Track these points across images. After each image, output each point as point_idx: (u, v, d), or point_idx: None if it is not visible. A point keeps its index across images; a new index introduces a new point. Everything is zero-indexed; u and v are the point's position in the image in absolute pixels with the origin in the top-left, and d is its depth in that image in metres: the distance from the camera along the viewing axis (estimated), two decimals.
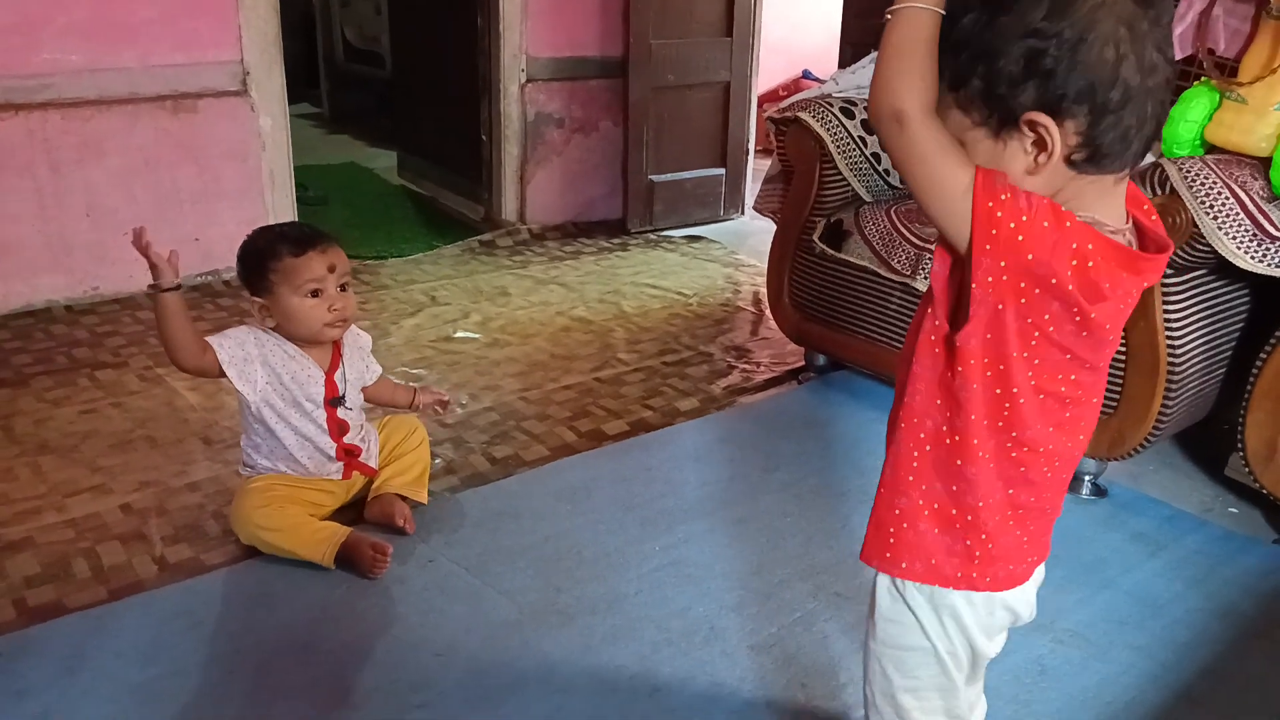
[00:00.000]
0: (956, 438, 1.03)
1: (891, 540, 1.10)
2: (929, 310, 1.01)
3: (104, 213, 3.26)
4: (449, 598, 1.88)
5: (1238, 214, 1.97)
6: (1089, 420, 1.06)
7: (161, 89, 3.28)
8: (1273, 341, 2.07)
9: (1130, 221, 0.99)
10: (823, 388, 2.87)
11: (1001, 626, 1.16)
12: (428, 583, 1.91)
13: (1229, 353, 2.23)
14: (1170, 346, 2.08)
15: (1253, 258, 1.97)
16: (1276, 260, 1.97)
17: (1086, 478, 2.28)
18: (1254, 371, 2.09)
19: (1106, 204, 0.96)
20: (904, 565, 1.10)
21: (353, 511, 2.09)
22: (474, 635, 1.78)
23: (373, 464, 2.10)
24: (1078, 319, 0.93)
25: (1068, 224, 0.89)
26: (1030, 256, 0.89)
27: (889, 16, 0.93)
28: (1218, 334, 2.18)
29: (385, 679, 1.67)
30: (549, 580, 1.94)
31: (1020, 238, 0.88)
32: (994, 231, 0.89)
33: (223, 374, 1.91)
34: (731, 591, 1.93)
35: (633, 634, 1.79)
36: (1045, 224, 0.88)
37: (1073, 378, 0.99)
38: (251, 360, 1.92)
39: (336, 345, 2.01)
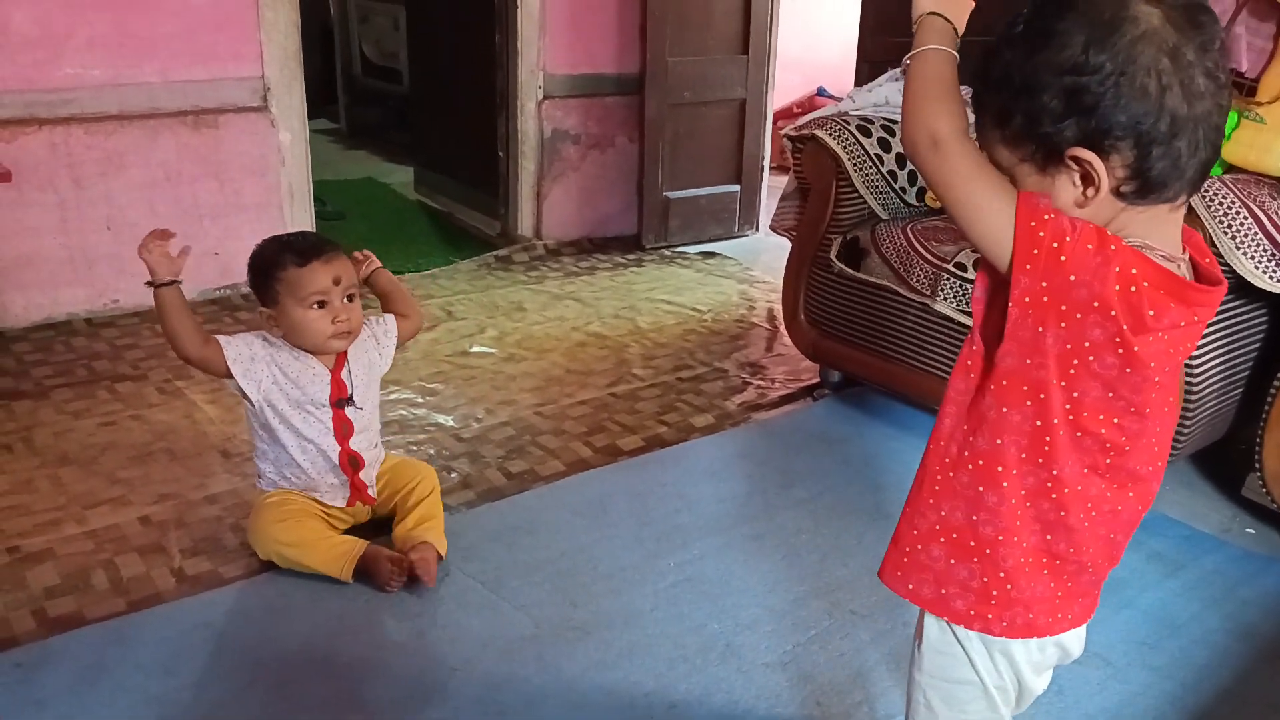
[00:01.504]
0: (981, 462, 1.01)
1: (905, 560, 1.10)
2: (969, 335, 1.01)
3: (124, 226, 3.29)
4: (465, 612, 1.88)
5: (1256, 234, 1.97)
6: (1139, 478, 1.02)
7: (182, 104, 3.32)
8: None
9: (1186, 253, 0.97)
10: (838, 404, 2.87)
11: (1051, 663, 1.15)
12: (444, 597, 1.92)
13: (1246, 373, 2.22)
14: (1188, 366, 2.07)
15: (1271, 278, 1.97)
16: None
17: None
18: (1272, 392, 2.09)
19: (1160, 232, 0.93)
20: (910, 586, 1.09)
21: (369, 527, 2.10)
22: (490, 650, 1.78)
23: (371, 491, 2.08)
24: (1120, 350, 0.90)
25: (1113, 247, 0.87)
26: (1073, 278, 0.87)
27: (907, 62, 0.97)
28: (1235, 354, 2.18)
29: (402, 693, 1.67)
30: (565, 595, 1.94)
31: (1063, 258, 0.87)
32: (1035, 251, 0.88)
33: (228, 373, 1.93)
34: (747, 608, 1.92)
35: (649, 650, 1.79)
36: (1089, 246, 0.87)
37: (1115, 420, 0.95)
38: (258, 360, 1.93)
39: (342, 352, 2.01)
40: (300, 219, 3.62)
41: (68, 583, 1.93)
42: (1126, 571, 2.07)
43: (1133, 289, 0.88)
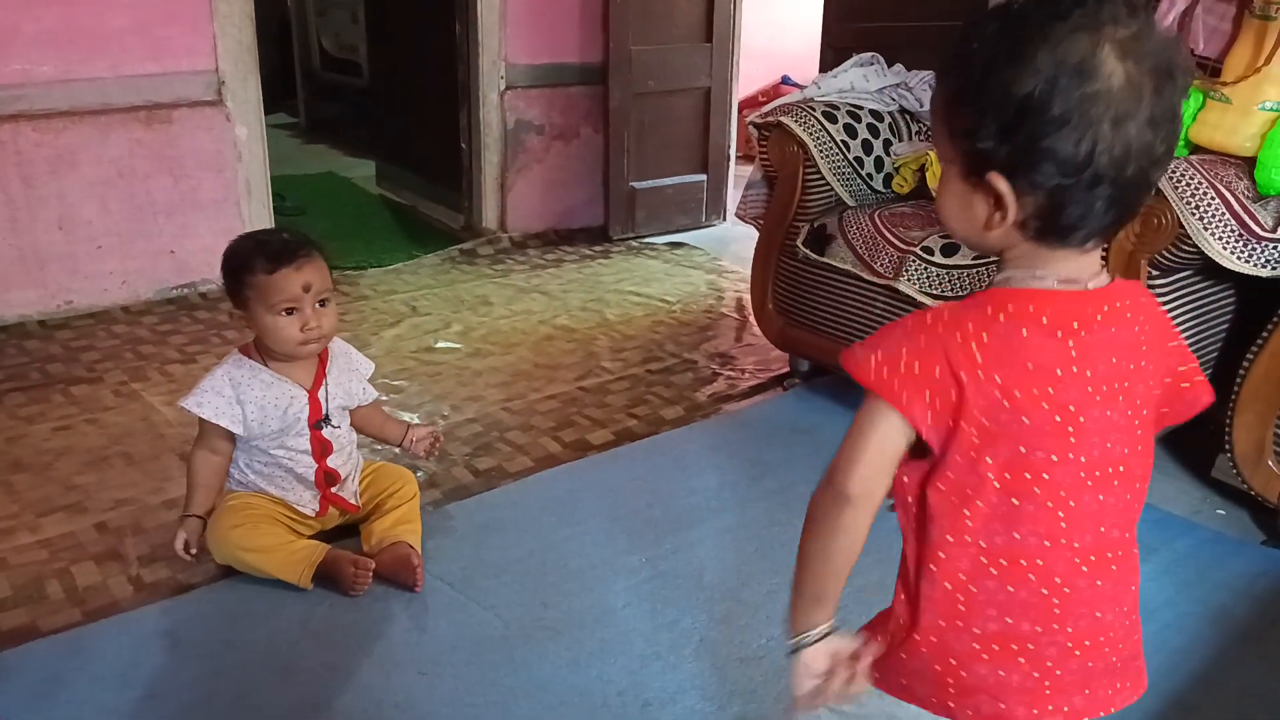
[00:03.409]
0: (921, 554, 0.99)
1: (883, 661, 1.05)
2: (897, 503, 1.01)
3: (77, 225, 3.22)
4: (433, 614, 1.84)
5: (1224, 214, 1.96)
6: (1109, 542, 0.96)
7: (135, 99, 3.24)
8: (1259, 342, 2.06)
9: (1103, 273, 0.94)
10: (808, 394, 2.85)
11: None
12: (411, 599, 1.88)
13: (1215, 354, 2.23)
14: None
15: (1239, 258, 1.97)
16: (1263, 260, 1.96)
17: None
18: (1240, 373, 2.08)
19: (1064, 266, 0.92)
20: (877, 675, 1.05)
21: (333, 533, 2.04)
22: (459, 652, 1.74)
23: (351, 499, 2.04)
24: (1007, 405, 0.89)
25: (939, 329, 0.90)
26: (952, 393, 0.90)
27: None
28: (1204, 335, 2.18)
29: (369, 699, 1.63)
30: (535, 594, 1.90)
31: (916, 369, 0.90)
32: (905, 396, 0.91)
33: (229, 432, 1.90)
34: (721, 603, 1.90)
35: (621, 648, 1.76)
36: (937, 371, 0.90)
37: (1044, 476, 0.92)
38: (231, 402, 1.87)
39: (322, 361, 1.96)
40: (258, 215, 3.56)
41: (20, 594, 1.87)
42: None
43: (993, 328, 0.89)
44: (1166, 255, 2.00)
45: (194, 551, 1.90)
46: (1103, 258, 0.96)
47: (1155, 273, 2.06)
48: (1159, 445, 2.49)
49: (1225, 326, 2.23)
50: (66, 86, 3.12)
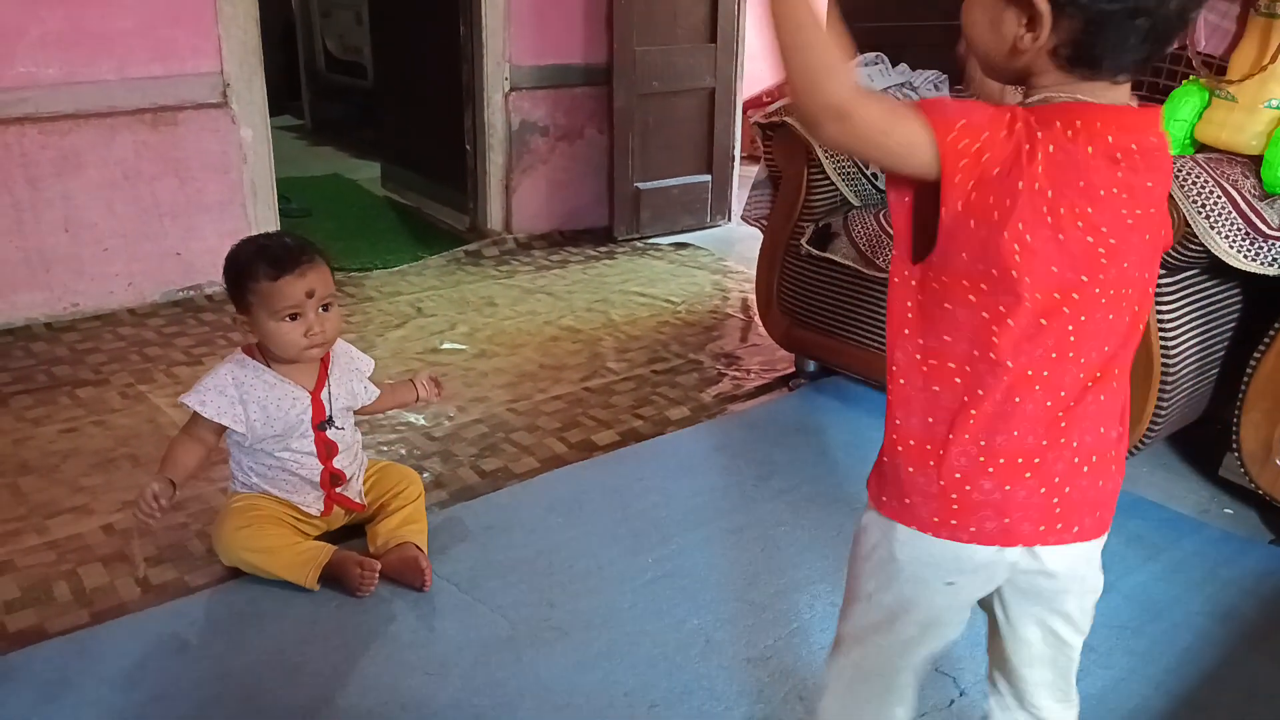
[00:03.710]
0: (933, 362, 0.98)
1: (876, 475, 1.08)
2: (894, 255, 0.99)
3: (83, 228, 3.22)
4: (439, 615, 1.84)
5: (1230, 213, 1.95)
6: (1108, 360, 0.97)
7: (140, 102, 3.24)
8: (1266, 341, 2.05)
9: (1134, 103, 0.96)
10: (814, 394, 2.85)
11: (1033, 591, 1.07)
12: (417, 600, 1.88)
13: (1222, 353, 2.22)
14: (1164, 347, 2.06)
15: (1245, 256, 1.96)
16: (1269, 258, 1.96)
17: None
18: (1248, 371, 2.08)
19: (1097, 94, 0.93)
20: (884, 499, 1.06)
21: (339, 534, 2.05)
22: (466, 653, 1.74)
23: (356, 499, 2.04)
24: (1049, 219, 0.89)
25: (1018, 124, 0.88)
26: (996, 170, 0.88)
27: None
28: (1211, 334, 2.17)
29: (376, 700, 1.63)
30: (542, 595, 1.90)
31: (985, 156, 0.88)
32: (962, 162, 0.88)
33: (222, 429, 1.88)
34: (727, 603, 1.90)
35: (628, 649, 1.76)
36: (1002, 134, 0.88)
37: (1062, 292, 0.93)
38: (234, 401, 1.87)
39: (324, 362, 1.96)
40: (264, 217, 3.56)
41: (28, 595, 1.87)
42: (1105, 555, 2.04)
43: (1063, 139, 0.88)
44: (1173, 254, 1.99)
45: (163, 503, 1.78)
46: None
47: (1161, 271, 2.05)
48: (1166, 444, 2.50)
49: (1232, 325, 2.22)
50: (72, 89, 3.13)
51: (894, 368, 1.01)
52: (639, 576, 1.97)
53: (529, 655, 1.74)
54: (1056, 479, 0.98)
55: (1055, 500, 0.99)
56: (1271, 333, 2.05)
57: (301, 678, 1.68)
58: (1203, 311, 2.14)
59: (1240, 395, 2.09)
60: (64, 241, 3.20)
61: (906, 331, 0.99)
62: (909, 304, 0.98)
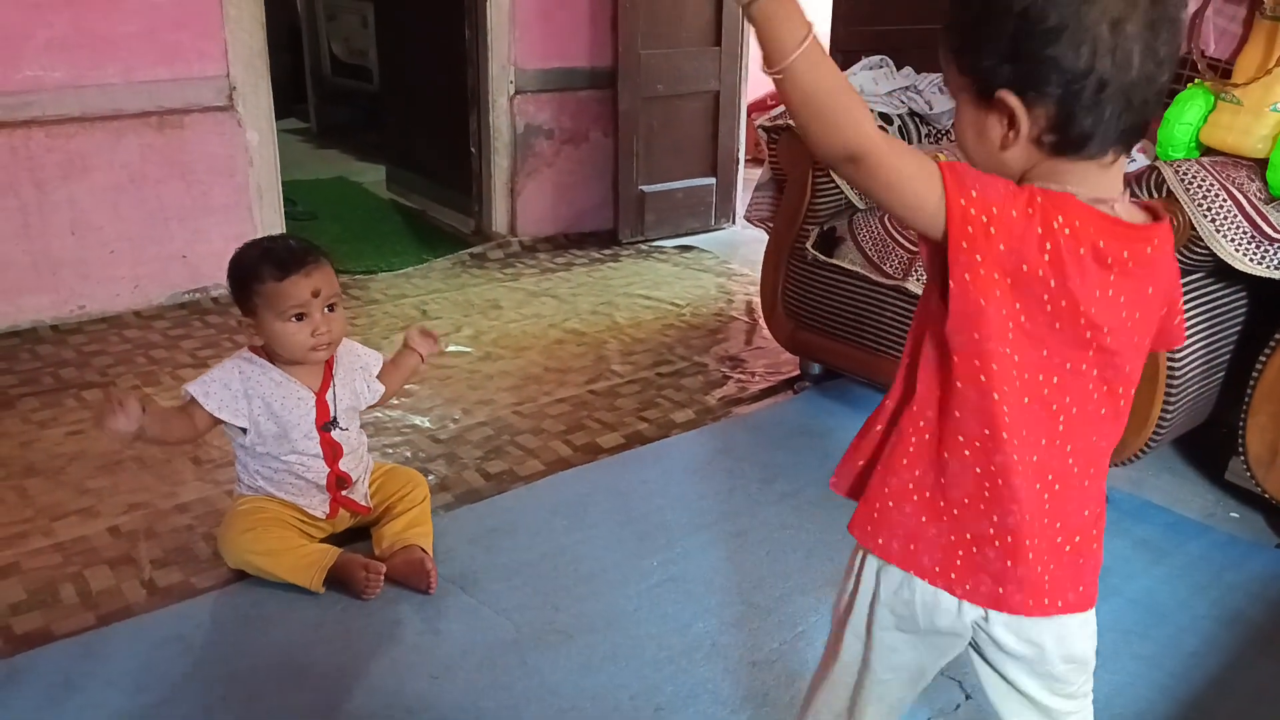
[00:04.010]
0: (947, 430, 1.00)
1: (876, 516, 1.08)
2: (931, 297, 0.99)
3: (89, 230, 3.23)
4: (445, 618, 1.84)
5: (1235, 216, 1.95)
6: (1095, 453, 1.01)
7: (146, 105, 3.25)
8: (1272, 344, 2.05)
9: (1126, 194, 0.98)
10: (819, 397, 2.85)
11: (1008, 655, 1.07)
12: (422, 602, 1.88)
13: (1228, 356, 2.21)
14: (1170, 351, 2.06)
15: (1251, 259, 1.96)
16: (1275, 262, 1.95)
17: None
18: (1254, 375, 2.07)
19: (1091, 182, 0.94)
20: (880, 541, 1.07)
21: (345, 537, 2.05)
22: (471, 656, 1.74)
23: (362, 501, 2.04)
24: (1048, 307, 0.91)
25: (1038, 199, 0.89)
26: (1002, 247, 0.89)
27: (780, 75, 0.89)
28: (1216, 337, 2.17)
29: (381, 703, 1.64)
30: (547, 598, 1.90)
31: (993, 230, 0.88)
32: (969, 229, 0.89)
33: (217, 422, 1.87)
34: (732, 606, 1.90)
35: (634, 652, 1.76)
36: (1014, 213, 0.89)
37: (1054, 380, 0.95)
38: (238, 396, 1.87)
39: (328, 364, 1.96)
40: (270, 220, 3.57)
41: (34, 598, 1.88)
42: (1111, 559, 2.03)
43: (1062, 236, 0.89)
44: (1179, 257, 1.99)
45: (126, 407, 1.68)
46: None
47: None
48: (1172, 448, 2.49)
49: (1238, 329, 2.21)
50: (78, 92, 3.14)
51: (922, 422, 1.02)
52: (644, 580, 1.97)
53: (534, 658, 1.74)
54: (1046, 557, 1.01)
55: (1047, 579, 1.01)
56: (1278, 336, 2.04)
57: (307, 680, 1.68)
58: (1208, 315, 2.13)
59: (1246, 399, 2.09)
60: (70, 244, 3.21)
61: (938, 395, 1.00)
62: (937, 366, 0.99)
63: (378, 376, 2.06)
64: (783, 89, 0.90)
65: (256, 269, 1.85)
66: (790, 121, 2.66)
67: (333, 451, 1.96)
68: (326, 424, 1.94)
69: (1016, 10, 0.89)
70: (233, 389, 1.87)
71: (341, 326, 1.93)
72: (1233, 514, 2.27)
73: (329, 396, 1.95)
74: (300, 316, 1.85)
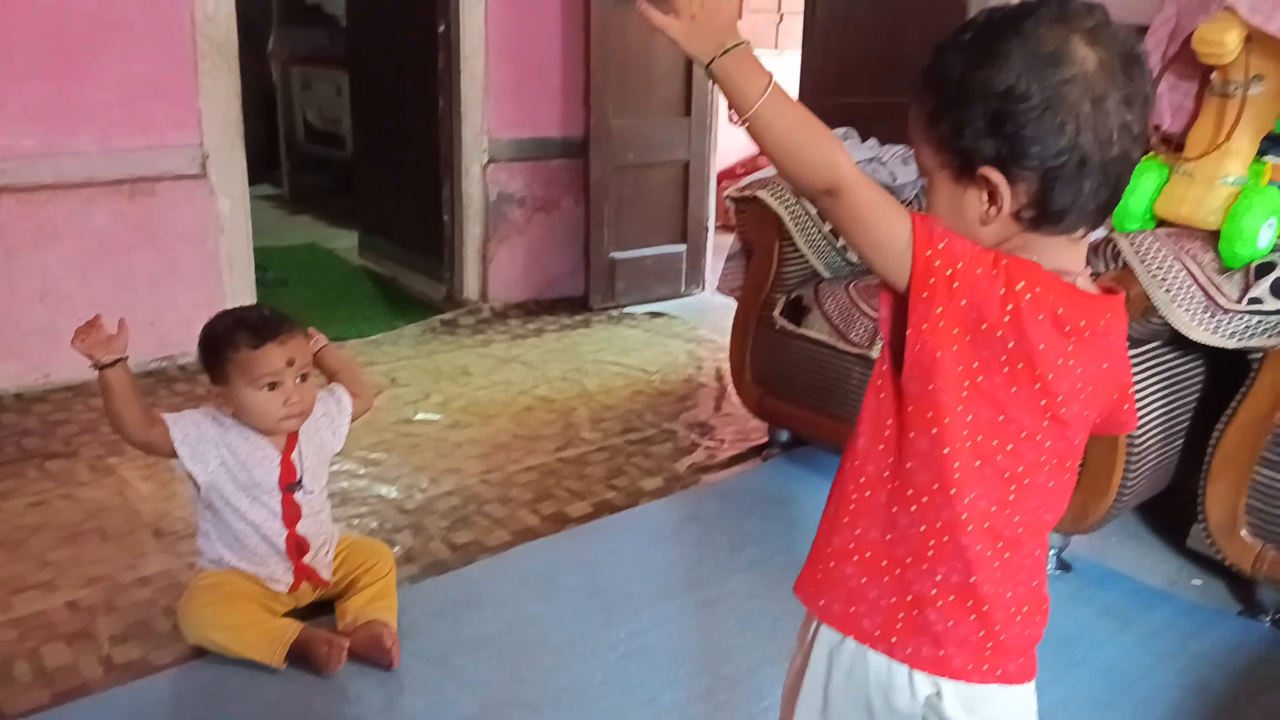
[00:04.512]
0: (897, 484, 1.00)
1: (819, 576, 1.08)
2: (887, 352, 1.00)
3: (57, 298, 3.21)
4: (409, 693, 1.82)
5: (1190, 286, 2.00)
6: (1039, 523, 1.01)
7: (119, 173, 3.26)
8: (1229, 412, 2.08)
9: (1087, 271, 1.00)
10: (787, 463, 2.86)
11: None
12: (386, 677, 1.85)
13: (1187, 423, 2.25)
14: (1122, 434, 2.08)
15: (1206, 329, 2.00)
16: (1229, 331, 2.00)
17: (1052, 552, 2.27)
18: (1212, 442, 2.11)
19: (1059, 255, 0.96)
20: (821, 603, 1.07)
21: (311, 609, 2.02)
22: None
23: (325, 573, 2.01)
24: (1005, 369, 0.92)
25: (1003, 262, 0.90)
26: (964, 302, 0.90)
27: (748, 122, 0.93)
28: (1175, 405, 2.20)
29: None
30: (513, 671, 1.88)
31: (955, 284, 0.90)
32: (931, 280, 0.90)
33: (174, 453, 1.86)
34: (700, 678, 1.88)
35: None
36: (978, 270, 0.90)
37: (1009, 447, 0.96)
38: (206, 440, 1.87)
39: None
40: (240, 287, 3.57)
41: None
42: (1077, 627, 2.06)
43: (1024, 300, 0.90)
44: (1136, 326, 2.03)
45: (115, 338, 1.83)
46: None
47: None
48: (1135, 515, 2.51)
49: (1196, 396, 2.25)
50: (51, 159, 3.15)
51: (862, 479, 1.02)
52: (611, 651, 1.95)
53: None
54: (997, 626, 1.00)
55: (989, 644, 1.01)
56: (1234, 404, 2.08)
57: None
58: (1166, 383, 2.17)
59: (1205, 466, 2.12)
60: (39, 312, 3.19)
61: (881, 447, 1.00)
62: (889, 422, 0.99)
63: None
64: (754, 134, 0.94)
65: (231, 336, 1.85)
66: (757, 193, 2.71)
67: (291, 512, 1.94)
68: (290, 485, 1.93)
69: (998, 90, 0.91)
70: (202, 429, 1.88)
71: (313, 398, 1.93)
72: (1195, 581, 2.29)
73: (294, 457, 1.94)
74: (273, 386, 1.85)
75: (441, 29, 4.06)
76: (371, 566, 2.02)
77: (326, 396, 2.04)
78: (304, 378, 1.90)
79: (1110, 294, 1.00)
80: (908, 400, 0.96)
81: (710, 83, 1.00)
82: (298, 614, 1.98)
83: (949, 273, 0.90)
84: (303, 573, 1.98)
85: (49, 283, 3.20)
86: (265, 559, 1.94)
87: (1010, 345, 0.91)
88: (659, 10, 0.96)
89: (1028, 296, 0.90)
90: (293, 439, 1.95)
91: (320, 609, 2.03)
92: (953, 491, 0.96)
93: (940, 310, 0.90)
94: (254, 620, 1.86)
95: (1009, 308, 0.90)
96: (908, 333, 0.92)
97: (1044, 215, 0.94)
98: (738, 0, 0.96)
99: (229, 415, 1.91)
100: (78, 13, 3.12)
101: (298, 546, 1.96)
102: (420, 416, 3.12)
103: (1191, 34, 2.10)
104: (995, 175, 0.93)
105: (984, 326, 0.90)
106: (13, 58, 3.04)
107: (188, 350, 3.41)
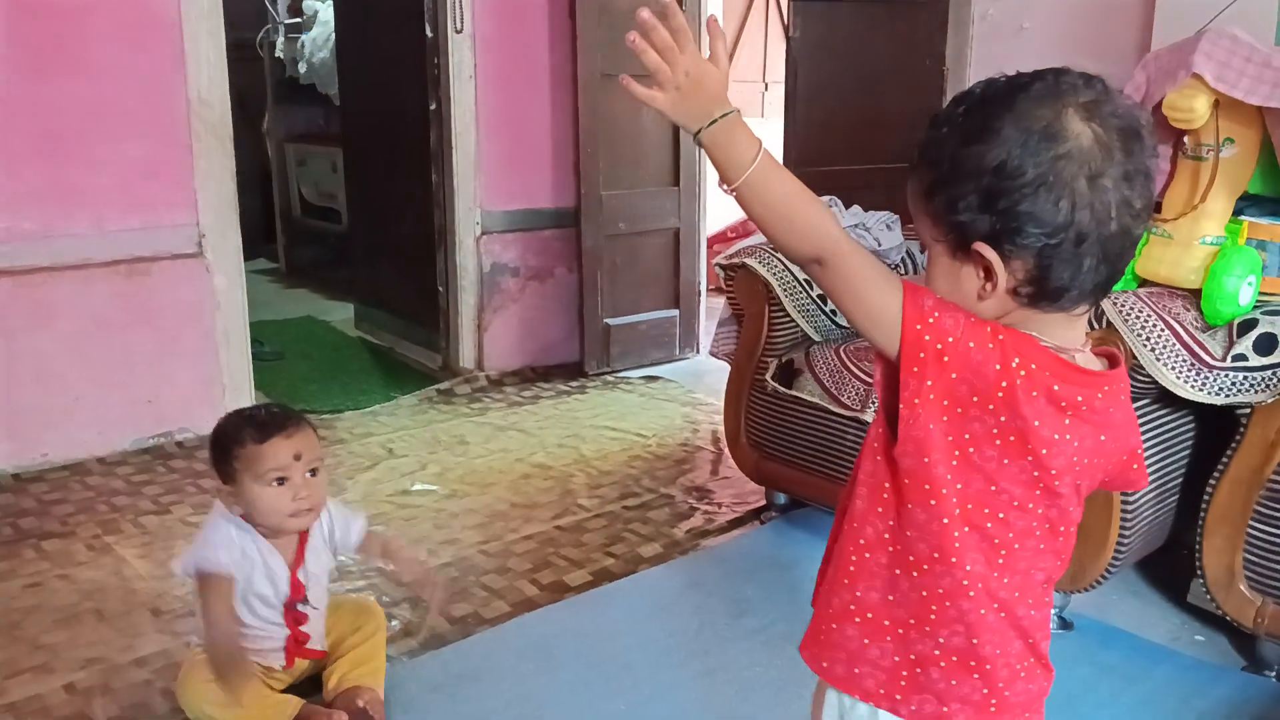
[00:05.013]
0: (896, 548, 1.00)
1: (821, 638, 1.08)
2: (881, 419, 1.01)
3: (54, 378, 3.23)
4: None
5: (1174, 344, 2.03)
6: (1022, 572, 1.01)
7: (116, 253, 3.30)
8: (1220, 468, 2.10)
9: (1086, 346, 0.99)
10: (786, 526, 2.86)
11: None
12: None
13: (1180, 478, 2.26)
14: (1131, 492, 2.10)
15: (1192, 386, 2.02)
16: (1215, 388, 2.02)
17: (1053, 610, 2.27)
18: (1205, 498, 2.12)
19: (1058, 331, 0.96)
20: (824, 664, 1.07)
21: (304, 686, 2.01)
22: None
23: (318, 646, 2.00)
24: (997, 442, 0.92)
25: (1000, 336, 0.90)
26: (954, 375, 0.90)
27: (737, 190, 0.95)
28: (1167, 461, 2.22)
29: None
30: None
31: (946, 359, 0.90)
32: (921, 355, 0.90)
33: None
34: None
35: None
36: (972, 344, 0.90)
37: (1000, 515, 0.96)
38: (232, 544, 1.84)
39: (303, 537, 1.93)
40: (237, 362, 3.59)
41: None
42: (1079, 686, 2.05)
43: (1018, 377, 0.90)
44: None
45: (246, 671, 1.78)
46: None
47: None
48: (1135, 571, 2.51)
49: (1188, 451, 2.27)
50: (48, 242, 3.18)
51: (861, 540, 1.03)
52: None
53: None
54: (1000, 684, 1.01)
55: (993, 701, 1.01)
56: (1225, 459, 2.09)
57: None
58: (1158, 440, 2.19)
59: (1200, 521, 2.12)
60: (35, 392, 3.21)
61: (880, 510, 1.01)
62: (886, 485, 1.00)
63: (361, 545, 2.03)
64: (742, 202, 0.95)
65: (237, 432, 1.85)
66: (746, 260, 2.75)
67: (294, 619, 1.93)
68: (296, 601, 1.92)
69: (991, 166, 0.89)
70: (234, 545, 1.84)
71: (323, 493, 1.90)
72: (1198, 637, 2.28)
73: (301, 574, 1.92)
74: (281, 480, 1.83)
75: (433, 106, 4.14)
76: (359, 628, 2.01)
77: (338, 518, 1.99)
78: (314, 472, 1.87)
79: (1112, 364, 1.00)
80: (903, 474, 0.96)
81: (699, 151, 1.03)
82: (297, 688, 1.97)
83: (939, 347, 0.89)
84: (298, 654, 1.96)
85: (44, 363, 3.22)
86: (262, 647, 1.92)
87: (1002, 419, 0.91)
88: (642, 84, 0.98)
89: (1023, 373, 0.90)
90: (300, 554, 1.92)
91: (318, 684, 2.01)
92: (953, 560, 0.96)
93: (930, 384, 0.90)
94: (254, 697, 1.85)
95: (1003, 384, 0.89)
96: (900, 410, 0.92)
97: (1042, 293, 0.93)
98: (725, 70, 0.98)
99: (239, 515, 1.89)
100: (75, 98, 3.18)
101: (296, 641, 1.95)
102: (418, 487, 3.13)
103: (1162, 100, 2.16)
104: (989, 252, 0.92)
105: (975, 399, 0.90)
106: (11, 143, 3.09)
107: (185, 427, 3.43)
